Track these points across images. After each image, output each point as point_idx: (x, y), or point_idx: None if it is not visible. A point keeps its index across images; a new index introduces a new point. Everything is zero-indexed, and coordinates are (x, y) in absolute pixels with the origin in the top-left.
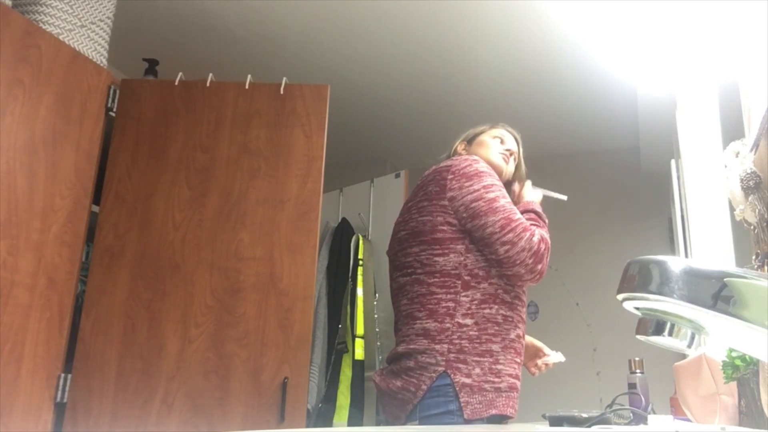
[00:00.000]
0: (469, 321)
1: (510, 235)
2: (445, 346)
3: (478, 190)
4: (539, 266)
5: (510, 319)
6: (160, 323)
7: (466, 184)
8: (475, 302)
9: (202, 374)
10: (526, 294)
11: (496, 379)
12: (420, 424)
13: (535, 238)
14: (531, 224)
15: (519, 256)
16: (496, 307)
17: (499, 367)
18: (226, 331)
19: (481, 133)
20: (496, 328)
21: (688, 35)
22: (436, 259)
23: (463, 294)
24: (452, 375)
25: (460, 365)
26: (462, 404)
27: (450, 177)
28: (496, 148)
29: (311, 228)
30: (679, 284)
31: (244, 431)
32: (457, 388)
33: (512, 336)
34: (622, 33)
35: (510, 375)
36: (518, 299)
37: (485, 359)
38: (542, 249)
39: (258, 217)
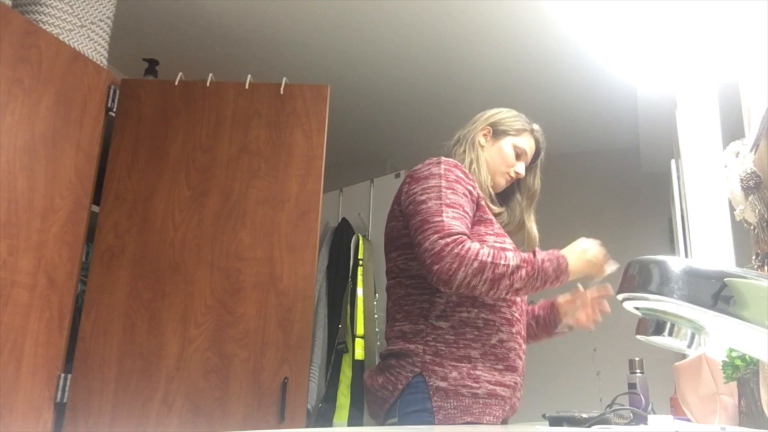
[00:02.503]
0: (443, 324)
1: (419, 237)
2: (420, 347)
3: (416, 192)
4: (436, 267)
5: (491, 323)
6: (160, 323)
7: (411, 188)
8: (450, 304)
9: (202, 374)
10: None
11: (474, 384)
12: (399, 421)
13: (444, 241)
14: (496, 246)
15: (421, 256)
16: (476, 310)
17: (478, 372)
18: (226, 331)
19: (510, 131)
20: (476, 332)
21: (688, 35)
22: (411, 263)
23: (437, 295)
24: (427, 377)
25: (436, 368)
26: (435, 408)
27: (407, 181)
28: (507, 165)
29: (311, 228)
30: (679, 284)
31: (244, 431)
32: (431, 392)
33: (493, 341)
34: (622, 33)
35: (489, 382)
36: (503, 300)
37: (463, 364)
38: (447, 252)
39: (258, 217)
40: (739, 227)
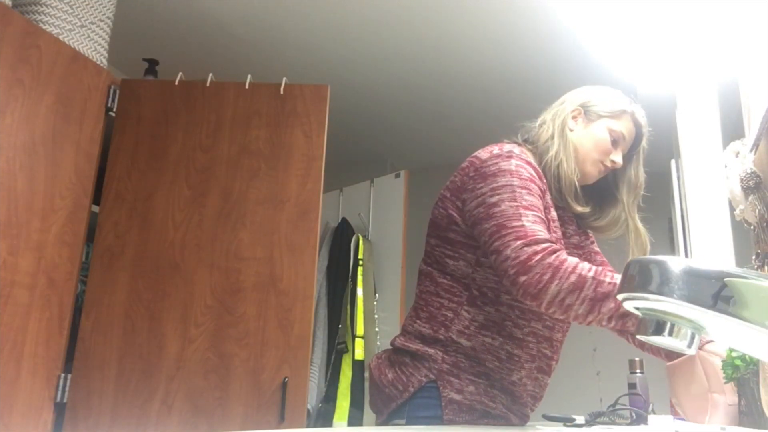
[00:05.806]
0: (464, 341)
1: (497, 243)
2: (440, 353)
3: (485, 193)
4: (522, 278)
5: (516, 359)
6: (160, 323)
7: (478, 185)
8: (475, 324)
9: (202, 374)
10: (549, 329)
11: (491, 403)
12: (407, 423)
13: (531, 249)
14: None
15: (502, 265)
16: (501, 339)
17: (495, 392)
18: (226, 331)
19: (604, 112)
20: (497, 363)
21: (688, 35)
22: (447, 260)
23: (465, 308)
24: (441, 387)
25: (453, 379)
26: (446, 421)
27: (472, 174)
28: (601, 152)
29: (311, 228)
30: (679, 284)
31: (244, 431)
32: (444, 403)
33: (514, 378)
34: (622, 33)
35: (503, 404)
36: (533, 335)
37: (481, 380)
38: (537, 260)
39: (258, 217)
40: (739, 227)
